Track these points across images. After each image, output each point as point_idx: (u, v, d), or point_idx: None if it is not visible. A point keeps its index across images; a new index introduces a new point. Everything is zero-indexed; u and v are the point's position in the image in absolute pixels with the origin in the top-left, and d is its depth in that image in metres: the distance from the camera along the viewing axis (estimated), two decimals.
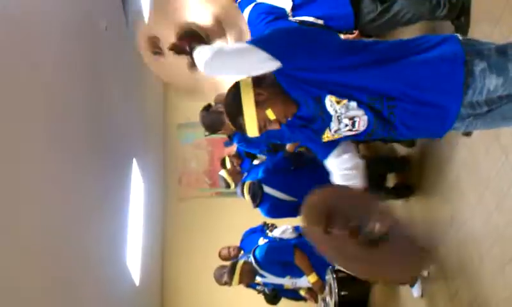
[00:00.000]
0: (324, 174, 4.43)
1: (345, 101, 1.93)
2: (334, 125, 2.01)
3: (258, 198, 4.26)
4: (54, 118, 3.29)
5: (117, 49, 5.08)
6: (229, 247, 5.34)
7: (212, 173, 7.20)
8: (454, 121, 1.99)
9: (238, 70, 2.00)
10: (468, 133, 3.44)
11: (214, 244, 5.93)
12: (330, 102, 1.94)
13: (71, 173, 3.56)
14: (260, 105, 1.95)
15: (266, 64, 1.90)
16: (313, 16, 3.42)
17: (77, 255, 3.59)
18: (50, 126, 3.22)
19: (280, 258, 4.25)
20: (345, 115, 1.96)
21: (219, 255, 5.40)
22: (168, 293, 6.36)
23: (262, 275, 4.31)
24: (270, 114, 1.95)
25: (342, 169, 2.11)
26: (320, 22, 3.42)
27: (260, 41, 1.94)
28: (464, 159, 3.60)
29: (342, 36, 3.46)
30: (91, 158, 4.04)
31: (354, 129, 2.01)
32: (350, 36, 3.45)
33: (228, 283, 4.34)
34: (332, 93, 1.93)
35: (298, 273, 4.24)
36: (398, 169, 4.77)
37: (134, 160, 5.34)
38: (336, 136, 2.07)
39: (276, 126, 1.99)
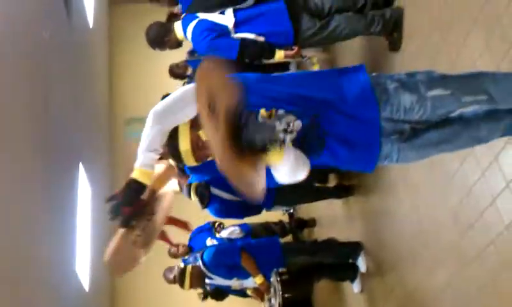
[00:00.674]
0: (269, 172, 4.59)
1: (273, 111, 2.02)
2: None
3: (206, 199, 4.38)
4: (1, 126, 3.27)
5: (62, 52, 5.03)
6: (178, 245, 5.44)
7: None
8: (378, 134, 2.10)
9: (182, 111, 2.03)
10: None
11: (164, 249, 6.01)
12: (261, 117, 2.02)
13: (17, 178, 3.54)
14: (193, 127, 2.06)
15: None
16: (255, 33, 3.53)
17: (24, 261, 3.59)
18: None
19: (227, 260, 4.38)
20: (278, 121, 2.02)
21: (168, 253, 5.49)
22: (117, 298, 6.38)
23: (210, 278, 4.44)
24: (202, 134, 2.04)
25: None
26: (262, 38, 3.54)
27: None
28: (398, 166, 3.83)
29: (283, 52, 3.60)
30: (37, 163, 4.01)
31: (289, 129, 2.02)
32: (290, 53, 3.58)
33: (180, 287, 4.45)
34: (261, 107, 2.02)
35: (245, 274, 4.38)
36: (338, 170, 4.99)
37: (81, 164, 5.32)
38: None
39: (209, 149, 2.05)
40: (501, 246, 2.62)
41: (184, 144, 2.06)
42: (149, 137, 2.03)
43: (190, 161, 2.12)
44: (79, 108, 5.67)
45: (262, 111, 2.00)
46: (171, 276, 4.59)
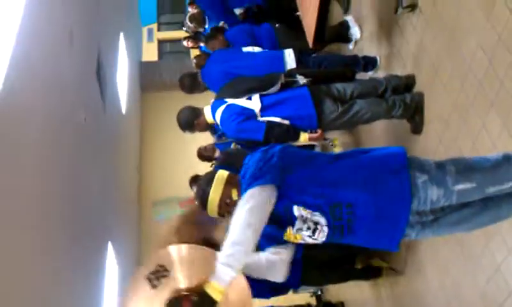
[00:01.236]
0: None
1: (310, 211, 2.15)
2: (298, 224, 2.17)
3: None
4: (33, 205, 3.43)
5: (96, 136, 5.30)
6: None
7: None
8: (404, 227, 2.21)
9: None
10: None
11: None
12: (298, 209, 2.16)
13: (48, 255, 3.67)
14: (229, 182, 2.21)
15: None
16: (280, 117, 3.71)
17: None
18: (29, 212, 3.35)
19: None
20: (310, 219, 2.17)
21: None
22: None
23: None
24: (234, 193, 2.18)
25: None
26: (287, 122, 3.71)
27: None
28: (426, 246, 3.84)
29: (307, 135, 3.75)
30: (68, 242, 4.15)
31: (313, 236, 2.18)
32: (314, 135, 3.74)
33: None
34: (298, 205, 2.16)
35: None
36: (366, 251, 4.98)
37: (110, 243, 5.44)
38: (298, 237, 2.21)
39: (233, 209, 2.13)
40: None
41: (214, 195, 2.20)
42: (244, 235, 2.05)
43: (213, 212, 2.23)
44: (110, 189, 5.87)
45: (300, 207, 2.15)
46: None
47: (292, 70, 4.06)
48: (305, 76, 3.88)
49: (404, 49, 4.11)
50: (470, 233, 3.11)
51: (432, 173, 2.16)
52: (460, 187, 2.13)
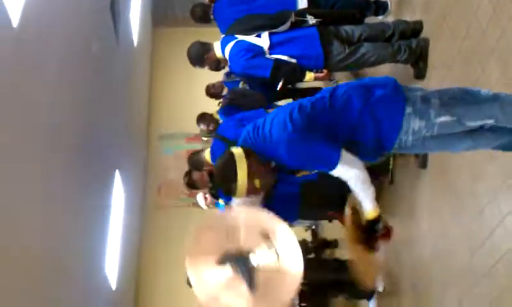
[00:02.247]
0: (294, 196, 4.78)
1: None
2: None
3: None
4: (45, 133, 3.59)
5: (107, 65, 5.41)
6: None
7: None
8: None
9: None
10: (423, 165, 3.87)
11: None
12: None
13: (58, 179, 3.85)
14: (250, 176, 2.20)
15: None
16: (288, 55, 3.81)
17: (58, 263, 3.87)
18: (41, 136, 3.51)
19: None
20: None
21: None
22: (142, 296, 6.64)
23: None
24: (257, 183, 2.22)
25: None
26: (294, 60, 3.82)
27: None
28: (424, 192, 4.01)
29: (313, 74, 3.86)
30: (76, 170, 4.33)
31: None
32: (320, 75, 3.84)
33: None
34: None
35: None
36: None
37: (117, 171, 5.65)
38: None
39: (259, 194, 2.28)
40: (508, 264, 2.78)
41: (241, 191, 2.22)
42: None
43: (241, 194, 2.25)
44: (119, 119, 6.03)
45: None
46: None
47: (302, 9, 4.11)
48: (315, 16, 3.95)
49: None
50: (458, 177, 3.31)
51: (417, 105, 2.26)
52: (442, 119, 2.23)
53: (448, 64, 3.60)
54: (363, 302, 5.02)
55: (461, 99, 2.30)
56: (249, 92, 4.83)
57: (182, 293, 5.49)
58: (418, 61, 3.90)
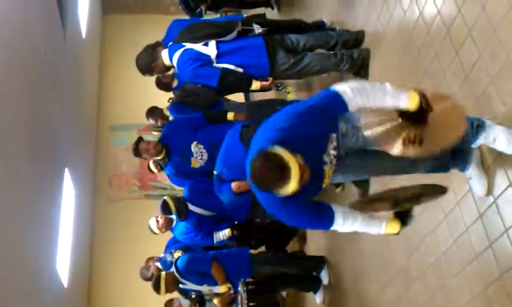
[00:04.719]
0: (245, 193, 4.94)
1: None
2: (326, 158, 2.25)
3: (183, 215, 4.75)
4: None
5: (54, 60, 5.34)
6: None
7: (141, 175, 7.53)
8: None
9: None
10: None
11: (141, 244, 6.34)
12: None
13: (5, 178, 3.84)
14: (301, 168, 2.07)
15: None
16: (235, 64, 3.90)
17: (7, 262, 3.88)
18: None
19: (199, 268, 4.71)
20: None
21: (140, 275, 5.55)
22: (95, 292, 6.68)
23: (182, 283, 4.76)
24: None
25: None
26: (240, 70, 3.91)
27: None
28: None
29: (259, 83, 3.98)
30: (25, 165, 4.32)
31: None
32: (265, 83, 3.96)
33: (156, 292, 4.75)
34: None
35: (215, 282, 4.73)
36: None
37: (66, 169, 5.63)
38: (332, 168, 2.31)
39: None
40: (439, 269, 3.02)
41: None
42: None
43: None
44: (68, 114, 5.98)
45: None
46: (148, 274, 4.88)
47: (249, 17, 4.19)
48: (261, 25, 4.05)
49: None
50: None
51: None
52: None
53: (388, 76, 3.78)
54: (310, 294, 5.26)
55: None
56: (199, 89, 4.90)
57: (136, 289, 5.61)
58: (360, 70, 4.06)
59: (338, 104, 2.17)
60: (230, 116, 4.43)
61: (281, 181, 2.04)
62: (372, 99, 2.16)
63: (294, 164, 2.03)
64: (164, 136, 4.57)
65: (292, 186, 2.04)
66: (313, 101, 2.24)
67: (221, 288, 4.66)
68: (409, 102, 2.14)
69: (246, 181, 3.94)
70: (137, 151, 4.57)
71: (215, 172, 3.90)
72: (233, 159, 3.74)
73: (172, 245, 5.52)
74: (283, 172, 2.03)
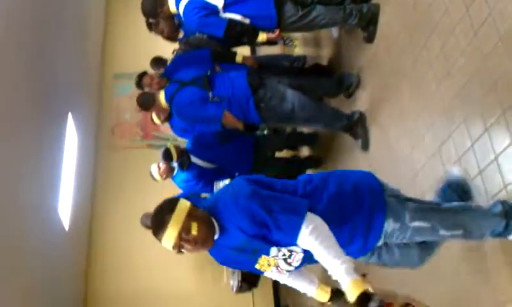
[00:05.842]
0: (248, 147, 4.98)
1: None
2: (273, 252, 2.08)
3: (185, 166, 4.80)
4: None
5: (59, 6, 5.28)
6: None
7: (144, 124, 7.52)
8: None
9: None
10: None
11: (142, 193, 6.40)
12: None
13: (9, 122, 3.86)
14: (191, 216, 2.03)
15: None
16: (242, 15, 3.86)
17: (10, 203, 3.94)
18: None
19: None
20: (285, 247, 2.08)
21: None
22: (95, 236, 6.78)
23: None
24: (194, 228, 2.01)
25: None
26: (247, 20, 3.87)
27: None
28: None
29: (265, 35, 3.94)
30: (29, 110, 4.34)
31: (288, 261, 2.12)
32: (272, 35, 3.93)
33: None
34: None
35: None
36: (310, 143, 5.45)
37: (70, 114, 5.64)
38: (272, 262, 2.13)
39: (190, 245, 2.03)
40: None
41: (173, 227, 2.03)
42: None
43: (168, 242, 2.05)
44: (71, 60, 5.95)
45: None
46: (149, 222, 4.94)
47: None
48: None
49: None
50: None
51: (393, 203, 2.19)
52: (416, 224, 2.18)
53: (395, 33, 3.75)
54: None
55: (435, 207, 2.30)
56: (204, 42, 4.86)
57: (136, 234, 5.67)
58: (369, 25, 4.02)
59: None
60: (239, 57, 4.37)
61: (156, 227, 2.06)
62: (321, 251, 1.94)
63: (175, 224, 1.99)
64: (169, 71, 4.55)
65: (170, 234, 2.00)
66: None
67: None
68: (349, 289, 1.85)
69: (236, 120, 4.06)
70: (140, 85, 4.57)
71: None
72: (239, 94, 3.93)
73: None
74: (161, 221, 2.04)
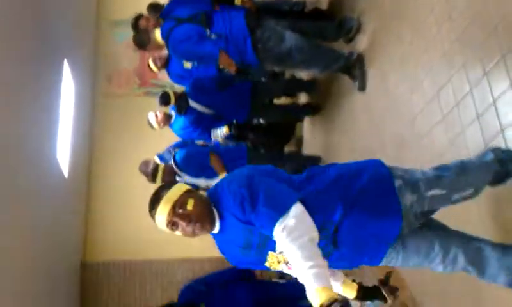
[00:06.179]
0: (245, 93, 4.96)
1: None
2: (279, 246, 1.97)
3: (183, 109, 4.78)
4: None
5: None
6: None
7: (142, 72, 7.45)
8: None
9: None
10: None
11: (140, 141, 6.43)
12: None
13: (4, 67, 3.82)
14: (190, 192, 2.01)
15: None
16: None
17: (8, 150, 3.94)
18: None
19: (197, 161, 4.80)
20: None
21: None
22: (94, 184, 6.83)
23: (179, 176, 4.87)
24: (190, 203, 1.96)
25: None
26: None
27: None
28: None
29: None
30: (24, 55, 4.27)
31: None
32: None
33: (151, 181, 4.85)
34: None
35: (212, 175, 4.82)
36: (308, 90, 5.41)
37: (65, 61, 5.57)
38: (281, 258, 2.03)
39: (184, 221, 1.96)
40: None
41: (169, 198, 2.00)
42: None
43: (161, 216, 2.01)
44: (67, 5, 5.82)
45: None
46: (147, 169, 4.95)
47: None
48: None
49: None
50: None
51: (405, 177, 2.12)
52: (432, 192, 2.11)
53: None
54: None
55: (441, 174, 2.21)
56: None
57: (134, 181, 5.71)
58: None
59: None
60: (238, 0, 4.31)
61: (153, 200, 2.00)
62: (291, 251, 1.80)
63: (171, 195, 1.96)
64: (166, 11, 4.49)
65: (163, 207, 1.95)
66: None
67: (222, 176, 4.74)
68: (314, 296, 1.69)
69: (231, 61, 4.05)
70: (136, 27, 4.52)
71: None
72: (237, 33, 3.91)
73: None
74: (156, 195, 1.99)
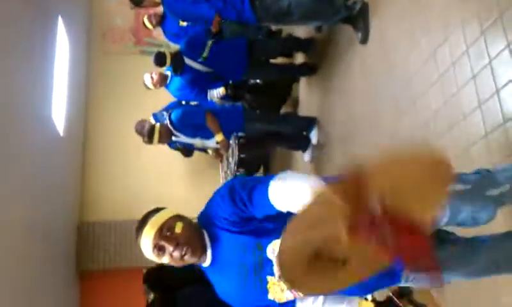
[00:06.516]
0: (242, 50, 4.91)
1: None
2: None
3: (180, 68, 4.74)
4: None
5: None
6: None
7: (136, 30, 7.38)
8: None
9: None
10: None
11: (135, 99, 6.41)
12: (273, 249, 1.81)
13: None
14: (179, 217, 1.87)
15: None
16: None
17: (4, 112, 3.92)
18: None
19: (193, 120, 4.79)
20: None
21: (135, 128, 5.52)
22: (90, 143, 6.83)
23: (176, 136, 4.87)
24: (178, 226, 1.82)
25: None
26: None
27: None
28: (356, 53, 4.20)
29: None
30: (17, 15, 4.21)
31: None
32: None
33: (148, 142, 4.85)
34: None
35: (207, 135, 4.83)
36: (305, 49, 5.35)
37: (60, 17, 5.49)
38: (284, 286, 1.85)
39: (171, 244, 1.79)
40: (427, 130, 3.11)
41: (157, 220, 1.85)
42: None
43: (147, 237, 1.85)
44: None
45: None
46: (142, 129, 4.94)
47: None
48: None
49: None
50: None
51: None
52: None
53: None
54: (298, 154, 5.42)
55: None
56: None
57: (130, 140, 5.72)
58: None
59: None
60: None
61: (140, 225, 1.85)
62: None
63: (160, 218, 1.82)
64: None
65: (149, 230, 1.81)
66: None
67: (218, 138, 4.76)
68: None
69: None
70: None
71: None
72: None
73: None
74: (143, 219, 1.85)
